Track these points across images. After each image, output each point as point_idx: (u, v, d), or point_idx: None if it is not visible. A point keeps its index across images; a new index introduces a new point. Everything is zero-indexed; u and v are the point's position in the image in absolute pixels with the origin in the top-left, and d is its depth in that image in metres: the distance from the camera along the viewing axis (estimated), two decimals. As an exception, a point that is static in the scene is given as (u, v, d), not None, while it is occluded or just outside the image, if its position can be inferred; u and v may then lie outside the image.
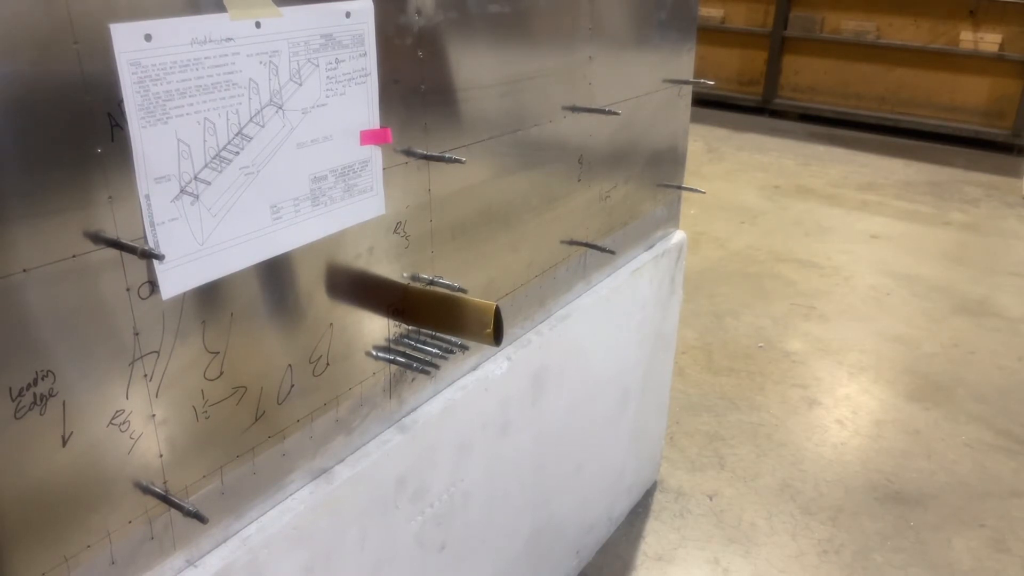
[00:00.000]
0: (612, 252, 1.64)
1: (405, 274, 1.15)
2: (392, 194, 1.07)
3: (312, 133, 0.93)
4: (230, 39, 0.81)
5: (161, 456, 0.87)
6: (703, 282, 3.48)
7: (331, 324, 1.04)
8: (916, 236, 4.15)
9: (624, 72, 1.57)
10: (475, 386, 1.34)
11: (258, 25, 0.83)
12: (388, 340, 1.15)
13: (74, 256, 0.73)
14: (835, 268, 3.70)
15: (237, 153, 0.85)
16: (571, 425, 1.67)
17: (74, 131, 0.71)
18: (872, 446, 2.46)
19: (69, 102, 0.70)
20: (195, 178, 0.81)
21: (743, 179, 4.99)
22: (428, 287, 1.18)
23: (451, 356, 1.20)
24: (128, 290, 0.79)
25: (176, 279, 0.82)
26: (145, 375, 0.82)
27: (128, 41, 0.72)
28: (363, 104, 0.99)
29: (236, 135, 0.84)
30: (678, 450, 2.39)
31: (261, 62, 0.85)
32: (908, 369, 2.89)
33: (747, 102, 6.60)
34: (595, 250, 1.60)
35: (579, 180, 1.51)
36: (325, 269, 1.02)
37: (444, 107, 1.13)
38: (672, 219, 1.95)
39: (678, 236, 1.97)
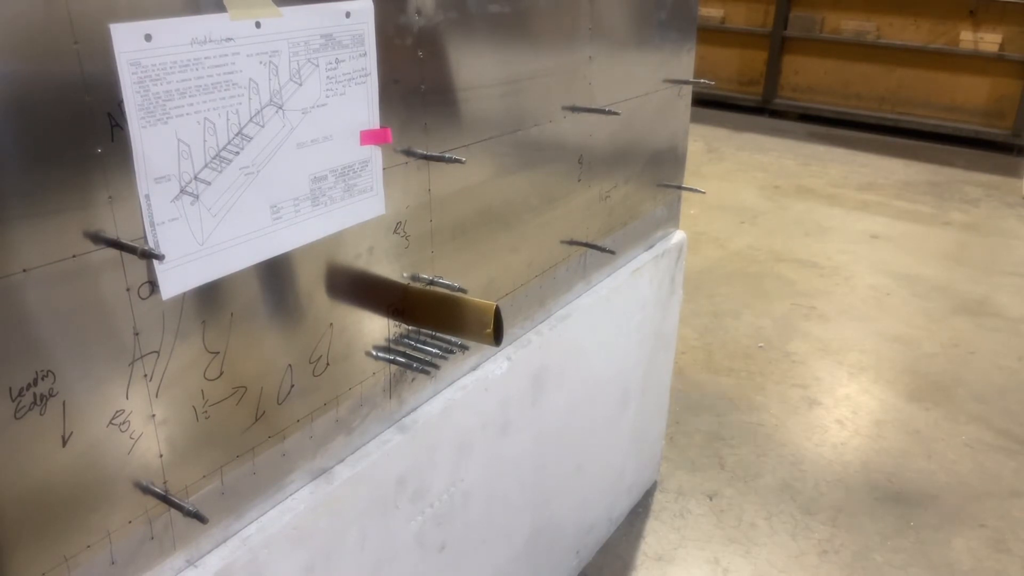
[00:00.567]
0: (612, 252, 1.64)
1: (405, 274, 1.15)
2: (392, 194, 1.07)
3: (312, 133, 0.93)
4: (230, 39, 0.81)
5: (161, 456, 0.87)
6: (703, 282, 3.48)
7: (331, 324, 1.04)
8: (916, 236, 4.15)
9: (624, 72, 1.57)
10: (475, 386, 1.34)
11: (258, 25, 0.83)
12: (388, 340, 1.15)
13: (74, 256, 0.73)
14: (835, 268, 3.70)
15: (237, 153, 0.85)
16: (571, 425, 1.67)
17: (74, 131, 0.71)
18: (872, 446, 2.46)
19: (69, 102, 0.70)
20: (195, 178, 0.81)
21: (743, 179, 4.99)
22: (428, 287, 1.18)
23: (451, 356, 1.20)
24: (128, 290, 0.79)
25: (176, 279, 0.82)
26: (145, 375, 0.82)
27: (128, 41, 0.72)
28: (363, 104, 0.99)
29: (236, 135, 0.84)
30: (678, 450, 2.39)
31: (261, 62, 0.85)
32: (908, 369, 2.89)
33: (747, 102, 6.60)
34: (595, 250, 1.60)
35: (579, 180, 1.51)
36: (325, 269, 1.02)
37: (444, 107, 1.13)
38: (672, 219, 1.95)
39: (678, 236, 1.97)
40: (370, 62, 0.98)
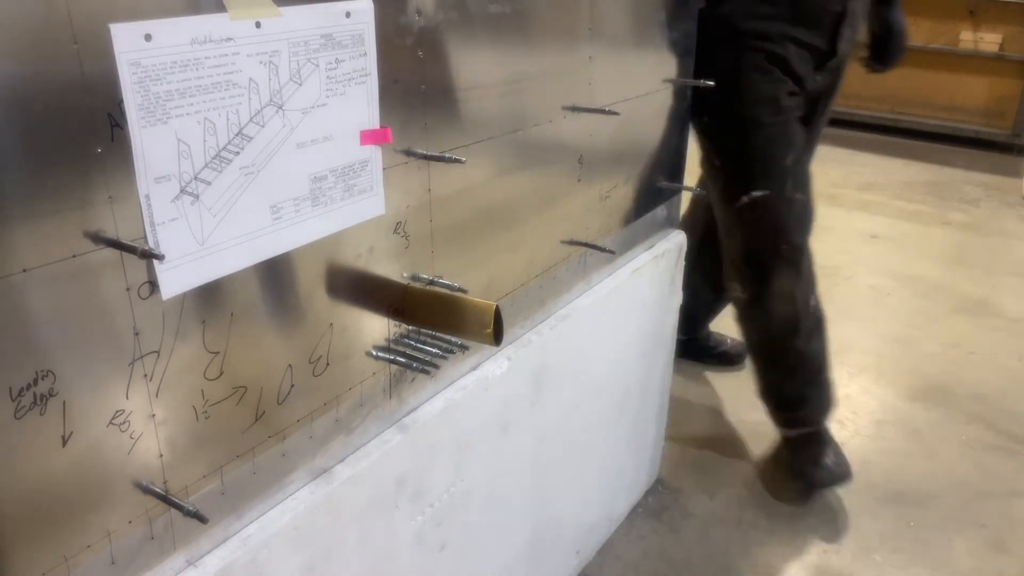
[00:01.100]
0: (612, 252, 1.64)
1: (405, 274, 1.15)
2: (392, 194, 1.07)
3: (312, 133, 0.93)
4: (230, 39, 0.81)
5: (161, 456, 0.87)
6: (703, 282, 3.48)
7: (331, 324, 1.04)
8: (916, 236, 4.15)
9: (624, 72, 1.57)
10: (475, 386, 1.34)
11: (258, 25, 0.83)
12: (388, 340, 1.15)
13: (74, 256, 0.73)
14: (835, 268, 3.70)
15: (237, 153, 0.85)
16: (571, 425, 1.67)
17: (74, 131, 0.71)
18: (872, 446, 2.46)
19: (69, 102, 0.70)
20: (195, 178, 0.81)
21: (743, 179, 4.98)
22: (428, 287, 1.18)
23: (451, 356, 1.20)
24: (128, 290, 0.79)
25: (176, 279, 0.82)
26: (145, 375, 0.82)
27: (128, 41, 0.72)
28: (363, 104, 0.99)
29: (236, 135, 0.84)
30: (678, 450, 2.39)
31: (261, 62, 0.85)
32: (908, 369, 2.89)
33: (747, 102, 6.59)
34: (595, 250, 1.60)
35: (579, 180, 1.51)
36: (325, 269, 1.02)
37: (444, 107, 1.13)
38: (672, 219, 1.95)
39: (678, 236, 1.97)
40: (370, 62, 0.98)
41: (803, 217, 2.04)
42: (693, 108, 1.89)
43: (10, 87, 0.66)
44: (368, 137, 1.00)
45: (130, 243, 0.77)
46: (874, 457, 2.40)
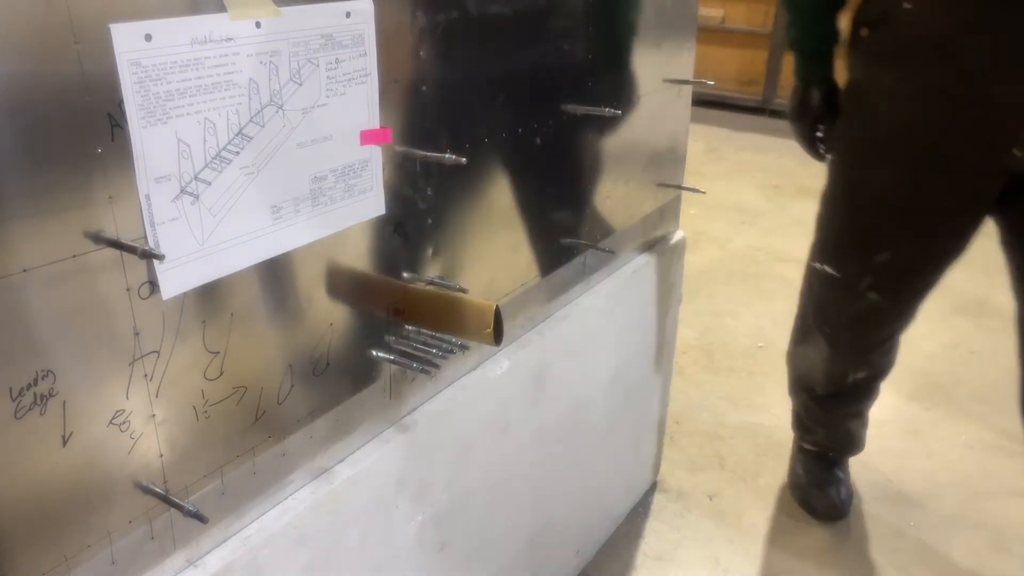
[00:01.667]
0: (612, 252, 1.64)
1: (405, 274, 1.15)
2: (392, 194, 1.07)
3: (312, 133, 0.93)
4: (230, 39, 0.81)
5: (161, 456, 0.87)
6: (703, 282, 3.48)
7: (331, 324, 1.04)
8: (916, 236, 4.15)
9: (624, 72, 1.57)
10: (475, 386, 1.34)
11: (258, 25, 0.83)
12: (388, 340, 1.15)
13: (74, 256, 0.73)
14: (835, 268, 3.70)
15: (237, 153, 0.85)
16: (571, 425, 1.67)
17: (74, 131, 0.71)
18: (872, 446, 2.46)
19: (69, 102, 0.70)
20: (195, 178, 0.81)
21: (743, 179, 4.99)
22: (428, 287, 1.18)
23: (451, 356, 1.20)
24: (128, 290, 0.79)
25: (176, 279, 0.82)
26: (145, 375, 0.82)
27: (128, 41, 0.72)
28: (363, 104, 0.99)
29: (236, 135, 0.84)
30: (678, 450, 2.39)
31: (261, 62, 0.85)
32: (908, 369, 2.89)
33: (747, 102, 6.60)
34: (595, 250, 1.60)
35: (579, 180, 1.51)
36: (325, 269, 1.02)
37: (444, 107, 1.13)
38: (672, 219, 1.95)
39: (678, 236, 1.97)
40: (370, 62, 0.98)
41: (871, 319, 1.75)
42: (827, 134, 1.69)
43: (10, 87, 0.66)
44: (368, 137, 1.00)
45: (130, 243, 0.77)
46: (874, 457, 2.40)
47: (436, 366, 1.17)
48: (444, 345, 1.19)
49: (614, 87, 1.53)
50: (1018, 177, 1.43)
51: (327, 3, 0.91)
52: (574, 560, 1.88)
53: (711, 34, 6.52)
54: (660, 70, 1.70)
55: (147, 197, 0.77)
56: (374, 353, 1.13)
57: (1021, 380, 1.73)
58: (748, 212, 4.42)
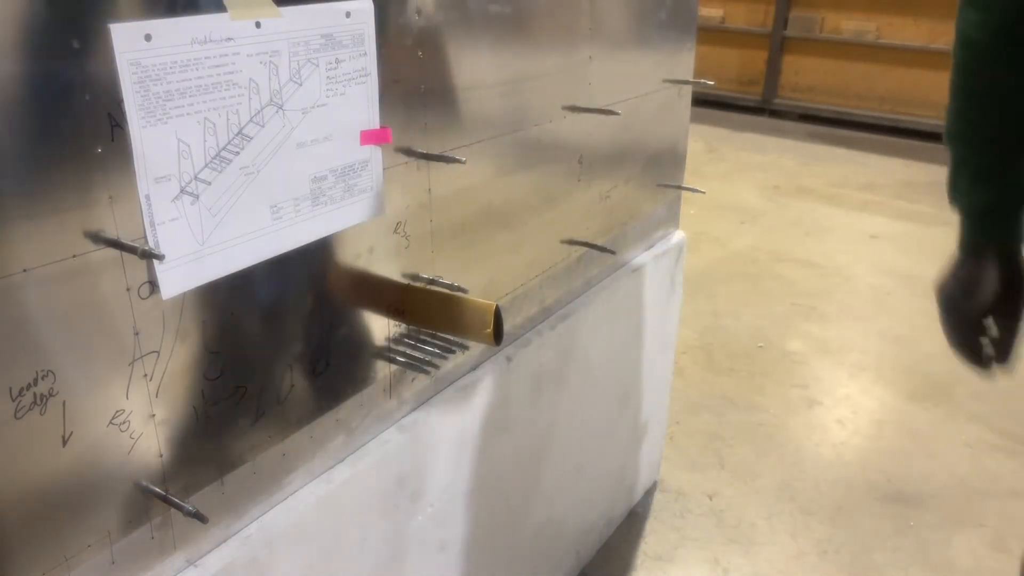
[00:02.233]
0: (612, 252, 1.64)
1: (405, 274, 1.15)
2: (392, 194, 1.07)
3: (312, 133, 0.93)
4: (230, 39, 0.81)
5: (161, 456, 0.87)
6: (703, 282, 3.48)
7: (331, 324, 1.04)
8: (916, 236, 4.15)
9: (624, 72, 1.57)
10: (475, 386, 1.34)
11: (258, 25, 0.83)
12: (388, 340, 1.15)
13: (74, 256, 0.73)
14: (835, 268, 3.70)
15: (237, 153, 0.85)
16: (571, 425, 1.67)
17: (74, 131, 0.71)
18: (872, 446, 2.46)
19: (69, 102, 0.70)
20: (195, 178, 0.81)
21: (743, 179, 4.99)
22: (428, 287, 1.18)
23: (451, 356, 1.20)
24: (128, 290, 0.79)
25: (176, 279, 0.82)
26: (145, 375, 0.82)
27: (128, 41, 0.72)
28: (363, 104, 0.99)
29: (236, 135, 0.84)
30: (678, 450, 2.39)
31: (261, 62, 0.85)
32: (908, 369, 2.89)
33: (747, 102, 6.60)
34: (595, 250, 1.60)
35: (579, 180, 1.51)
36: (325, 269, 1.02)
37: (444, 107, 1.13)
38: (672, 219, 1.95)
39: (678, 236, 1.97)
40: (370, 62, 0.98)
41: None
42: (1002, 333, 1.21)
43: (10, 87, 0.66)
44: (368, 137, 1.00)
45: (130, 243, 0.77)
46: (874, 457, 2.40)
47: (436, 366, 1.17)
48: (444, 345, 1.19)
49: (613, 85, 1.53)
50: None
51: (327, 3, 0.91)
52: (574, 560, 1.88)
53: (711, 34, 6.52)
54: (660, 70, 1.70)
55: (147, 197, 0.77)
56: (374, 353, 1.13)
57: None
58: (748, 212, 4.42)
